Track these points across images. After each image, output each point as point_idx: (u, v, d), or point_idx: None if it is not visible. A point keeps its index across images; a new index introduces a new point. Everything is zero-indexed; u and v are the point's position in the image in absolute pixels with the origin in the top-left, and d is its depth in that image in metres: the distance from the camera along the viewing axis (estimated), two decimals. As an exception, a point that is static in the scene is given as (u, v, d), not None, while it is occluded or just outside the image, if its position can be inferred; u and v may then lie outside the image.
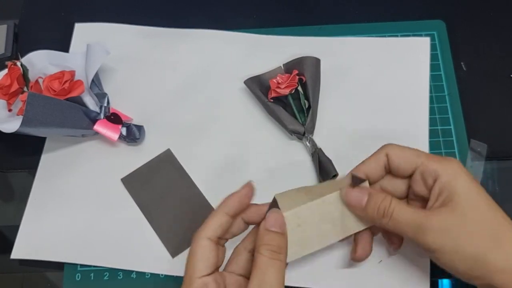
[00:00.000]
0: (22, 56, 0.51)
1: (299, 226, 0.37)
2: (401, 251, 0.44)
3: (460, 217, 0.35)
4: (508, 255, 0.34)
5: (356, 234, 0.40)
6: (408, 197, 0.41)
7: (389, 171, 0.40)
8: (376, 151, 0.40)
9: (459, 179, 0.36)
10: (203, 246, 0.37)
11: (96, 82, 0.51)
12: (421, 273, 0.43)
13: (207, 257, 0.36)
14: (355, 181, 0.39)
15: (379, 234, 0.43)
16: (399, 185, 0.41)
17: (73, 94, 0.49)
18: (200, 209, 0.47)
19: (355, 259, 0.41)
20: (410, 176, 0.39)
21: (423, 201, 0.39)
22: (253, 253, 0.37)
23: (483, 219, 0.35)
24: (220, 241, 0.38)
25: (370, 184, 0.40)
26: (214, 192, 0.48)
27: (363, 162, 0.40)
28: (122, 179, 0.49)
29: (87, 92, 0.51)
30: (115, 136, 0.49)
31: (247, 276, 0.38)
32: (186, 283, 0.36)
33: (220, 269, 0.39)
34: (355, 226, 0.39)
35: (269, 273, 0.34)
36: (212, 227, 0.37)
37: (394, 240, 0.42)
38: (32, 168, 0.50)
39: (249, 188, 0.38)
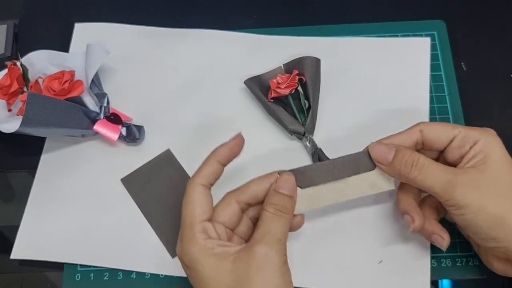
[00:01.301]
0: (22, 56, 0.51)
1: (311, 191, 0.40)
2: (401, 251, 0.44)
3: (489, 178, 0.37)
4: None
5: (402, 206, 0.41)
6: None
7: (422, 146, 0.41)
8: (408, 128, 0.41)
9: (496, 147, 0.38)
10: (199, 193, 0.38)
11: (96, 82, 0.51)
12: (421, 273, 0.43)
13: (204, 203, 0.38)
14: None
15: (379, 235, 0.43)
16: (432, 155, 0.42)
17: (73, 94, 0.49)
18: (200, 209, 0.47)
19: (415, 229, 0.41)
20: (442, 151, 0.40)
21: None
22: (242, 205, 0.39)
23: (510, 184, 0.37)
24: (210, 188, 0.39)
25: None
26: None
27: (394, 134, 0.41)
28: (122, 179, 0.49)
29: (87, 92, 0.51)
30: (115, 136, 0.49)
31: (232, 229, 0.39)
32: (186, 229, 0.37)
33: None
34: (368, 189, 0.41)
35: (273, 224, 0.36)
36: (205, 174, 0.39)
37: (443, 235, 0.41)
38: (32, 168, 0.50)
39: (239, 138, 0.40)
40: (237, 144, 0.40)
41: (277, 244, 0.35)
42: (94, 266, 0.46)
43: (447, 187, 0.37)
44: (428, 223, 0.41)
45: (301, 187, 0.40)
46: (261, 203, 0.39)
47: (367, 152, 0.41)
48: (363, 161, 0.41)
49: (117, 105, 0.52)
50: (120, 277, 0.46)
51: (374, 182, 0.41)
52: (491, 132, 0.39)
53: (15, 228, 0.47)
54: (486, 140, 0.38)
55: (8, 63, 0.49)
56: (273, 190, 0.38)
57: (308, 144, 0.49)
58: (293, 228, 0.40)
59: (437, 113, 0.51)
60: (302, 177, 0.40)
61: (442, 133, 0.40)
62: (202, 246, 0.36)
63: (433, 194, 0.38)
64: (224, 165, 0.40)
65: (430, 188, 0.38)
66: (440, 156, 0.42)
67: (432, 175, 0.38)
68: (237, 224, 0.39)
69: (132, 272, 0.46)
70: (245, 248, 0.35)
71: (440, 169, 0.38)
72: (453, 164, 0.40)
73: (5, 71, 0.49)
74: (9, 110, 0.50)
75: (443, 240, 0.41)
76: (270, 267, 0.34)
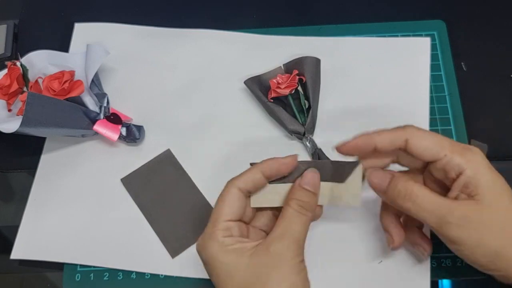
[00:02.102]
0: (21, 56, 0.51)
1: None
2: (401, 251, 0.44)
3: (485, 210, 0.35)
4: None
5: (384, 222, 0.41)
6: (424, 175, 0.40)
7: (405, 151, 0.38)
8: (396, 129, 0.38)
9: (484, 173, 0.36)
10: (232, 193, 0.38)
11: (96, 82, 0.51)
12: (421, 273, 0.43)
13: (234, 204, 0.37)
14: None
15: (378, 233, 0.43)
16: (416, 162, 0.40)
17: (73, 94, 0.49)
18: (200, 209, 0.47)
19: (395, 248, 0.41)
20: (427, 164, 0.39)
21: (441, 184, 0.39)
22: (276, 212, 0.39)
23: (507, 213, 0.36)
24: (248, 195, 0.39)
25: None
26: (214, 192, 0.48)
27: (379, 133, 0.39)
28: (122, 179, 0.49)
29: (87, 92, 0.51)
30: (115, 136, 0.49)
31: (268, 232, 0.38)
32: (210, 225, 0.37)
33: None
34: (332, 199, 0.39)
35: (294, 223, 0.36)
36: (244, 179, 0.38)
37: (425, 246, 0.41)
38: (32, 168, 0.50)
39: (292, 159, 0.39)
40: (286, 164, 0.39)
41: (295, 244, 0.35)
42: (94, 266, 0.46)
43: (441, 223, 0.35)
44: (410, 233, 0.41)
45: (270, 182, 0.39)
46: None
47: (352, 164, 0.39)
48: (344, 171, 0.39)
49: (117, 105, 0.52)
50: (120, 277, 0.46)
51: (340, 195, 0.39)
52: (477, 156, 0.37)
53: (15, 228, 0.47)
54: (472, 168, 0.36)
55: (8, 63, 0.49)
56: (298, 185, 0.38)
57: (308, 144, 0.49)
58: (313, 218, 0.40)
59: (437, 113, 0.51)
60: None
61: (427, 152, 0.37)
62: (221, 243, 0.36)
63: (427, 225, 0.37)
64: (267, 178, 0.39)
65: (424, 221, 0.37)
66: (427, 170, 0.40)
67: (426, 208, 0.36)
68: (249, 215, 0.40)
69: (132, 272, 0.46)
70: (263, 244, 0.35)
71: (435, 202, 0.36)
72: (440, 181, 0.39)
73: (5, 71, 0.49)
74: (9, 110, 0.50)
75: (424, 251, 0.41)
76: (287, 265, 0.34)
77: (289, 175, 0.39)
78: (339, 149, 0.39)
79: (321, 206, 0.40)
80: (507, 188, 0.36)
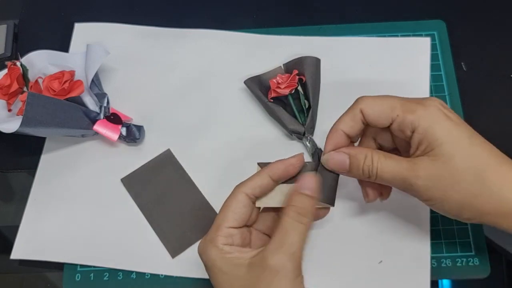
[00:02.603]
0: (22, 56, 0.51)
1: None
2: (401, 251, 0.44)
3: (443, 165, 0.35)
4: (493, 198, 0.35)
5: (359, 181, 0.41)
6: (396, 144, 0.41)
7: (367, 124, 0.39)
8: (350, 106, 0.39)
9: (437, 126, 0.36)
10: (238, 200, 0.37)
11: (96, 82, 0.51)
12: (421, 273, 0.43)
13: (239, 211, 0.37)
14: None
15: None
16: (387, 135, 0.41)
17: (73, 94, 0.49)
18: (200, 209, 0.47)
19: (369, 201, 0.41)
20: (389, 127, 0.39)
21: (407, 144, 0.39)
22: (279, 213, 0.38)
23: (465, 164, 0.35)
24: (255, 200, 0.39)
25: (351, 140, 0.40)
26: (214, 192, 0.48)
27: (339, 120, 0.40)
28: (122, 179, 0.49)
29: (87, 92, 0.51)
30: (115, 136, 0.49)
31: (271, 235, 0.38)
32: (213, 230, 0.37)
33: None
34: None
35: (291, 235, 0.35)
36: (252, 185, 0.38)
37: (383, 192, 0.42)
38: (32, 168, 0.50)
39: (298, 159, 0.39)
40: (293, 164, 0.39)
41: (292, 259, 0.35)
42: (94, 266, 0.46)
43: (405, 187, 0.36)
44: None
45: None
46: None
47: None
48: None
49: (117, 105, 0.52)
50: (120, 277, 0.46)
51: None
52: (430, 108, 0.36)
53: (15, 228, 0.47)
54: (424, 122, 0.36)
55: (8, 63, 0.49)
56: (296, 191, 0.37)
57: (308, 144, 0.49)
58: (318, 217, 0.41)
59: (437, 113, 0.51)
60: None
61: (381, 115, 0.38)
62: (220, 250, 0.36)
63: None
64: (276, 181, 0.39)
65: (392, 186, 0.38)
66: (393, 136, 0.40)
67: (388, 178, 0.37)
68: (254, 218, 0.40)
69: (132, 272, 0.46)
70: (260, 255, 0.35)
71: (394, 167, 0.36)
72: (404, 140, 0.38)
73: (5, 71, 0.49)
74: (9, 110, 0.50)
75: (367, 196, 0.41)
76: (283, 279, 0.34)
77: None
78: (328, 165, 0.39)
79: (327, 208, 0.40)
80: (466, 134, 0.36)
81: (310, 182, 0.37)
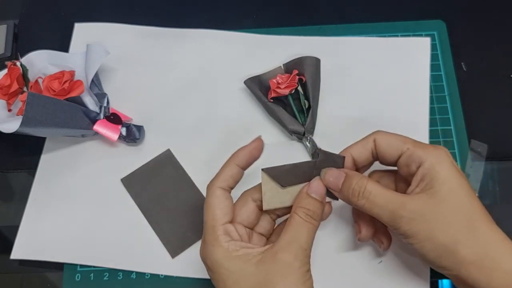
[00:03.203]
0: (22, 56, 0.51)
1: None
2: (401, 251, 0.44)
3: (437, 204, 0.35)
4: (478, 247, 0.34)
5: (355, 216, 0.42)
6: (396, 178, 0.42)
7: (376, 157, 0.40)
8: (365, 136, 0.41)
9: (442, 166, 0.36)
10: (218, 196, 0.38)
11: (96, 82, 0.51)
12: (421, 273, 0.43)
13: (224, 206, 0.38)
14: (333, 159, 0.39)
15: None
16: (390, 180, 0.42)
17: (73, 94, 0.49)
18: (200, 209, 0.47)
19: (361, 239, 0.41)
20: (396, 163, 0.40)
21: (408, 185, 0.39)
22: (258, 203, 0.39)
23: (460, 209, 0.35)
24: (230, 190, 0.39)
25: (357, 169, 0.40)
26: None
27: (350, 145, 0.41)
28: (122, 179, 0.49)
29: (87, 92, 0.51)
30: (115, 136, 0.49)
31: (251, 228, 0.39)
32: (209, 232, 0.37)
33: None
34: None
35: (301, 232, 0.36)
36: (224, 177, 0.38)
37: (383, 240, 0.42)
38: (32, 168, 0.50)
39: (258, 141, 0.40)
40: (256, 148, 0.40)
41: (302, 254, 0.35)
42: (94, 266, 0.46)
43: (393, 218, 0.36)
44: (377, 227, 0.42)
45: (283, 186, 0.39)
46: None
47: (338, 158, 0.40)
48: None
49: (117, 105, 0.52)
50: (120, 277, 0.46)
51: None
52: (440, 152, 0.37)
53: (15, 228, 0.47)
54: (431, 160, 0.36)
55: (8, 63, 0.49)
56: (305, 193, 0.38)
57: (308, 144, 0.49)
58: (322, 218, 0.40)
59: (437, 113, 0.51)
60: (288, 174, 0.39)
61: (392, 147, 0.39)
62: (226, 249, 0.36)
63: (381, 221, 0.38)
64: (244, 168, 0.40)
65: (377, 217, 0.37)
66: (398, 173, 0.40)
67: (378, 204, 0.36)
68: (256, 222, 0.40)
69: (132, 272, 0.46)
70: (270, 252, 0.35)
71: (387, 198, 0.36)
72: (407, 180, 0.39)
73: (5, 71, 0.49)
74: (9, 110, 0.50)
75: (381, 243, 0.41)
76: (294, 274, 0.34)
77: (297, 176, 0.39)
78: (324, 178, 0.39)
79: (329, 204, 0.40)
80: (465, 184, 0.36)
81: (318, 186, 0.38)
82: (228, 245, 0.36)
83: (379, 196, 0.36)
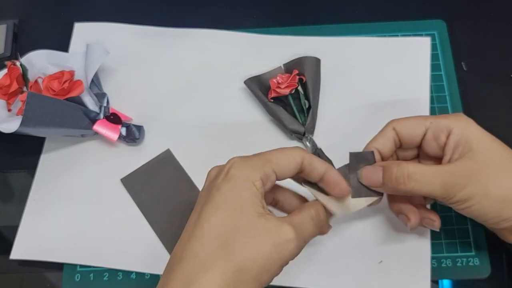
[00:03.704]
0: (21, 56, 0.51)
1: None
2: (401, 251, 0.44)
3: (483, 162, 0.36)
4: None
5: (395, 208, 0.41)
6: (420, 161, 0.42)
7: (400, 144, 0.41)
8: (382, 128, 0.41)
9: (471, 129, 0.38)
10: (296, 157, 0.36)
11: (95, 82, 0.51)
12: (421, 273, 0.43)
13: (289, 164, 0.36)
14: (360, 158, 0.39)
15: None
16: (409, 155, 0.42)
17: (73, 94, 0.48)
18: (200, 209, 0.47)
19: (413, 226, 0.40)
20: (419, 146, 0.40)
21: (436, 161, 0.39)
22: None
23: (503, 160, 0.37)
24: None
25: (383, 159, 0.40)
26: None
27: (371, 140, 0.41)
28: (121, 179, 0.49)
29: (87, 92, 0.51)
30: (114, 136, 0.49)
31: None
32: (260, 159, 0.35)
33: None
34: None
35: (307, 227, 0.35)
36: (313, 161, 0.37)
37: (433, 217, 0.41)
38: (31, 168, 0.50)
39: (346, 189, 0.38)
40: (340, 186, 0.37)
41: (303, 242, 0.35)
42: (93, 266, 0.46)
43: (446, 189, 0.36)
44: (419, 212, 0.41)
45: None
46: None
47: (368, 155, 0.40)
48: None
49: (117, 105, 0.52)
50: (119, 277, 0.45)
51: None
52: (462, 117, 0.38)
53: (15, 228, 0.47)
54: (460, 126, 0.38)
55: (8, 63, 0.49)
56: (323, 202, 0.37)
57: (308, 144, 0.49)
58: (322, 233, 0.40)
59: (437, 113, 0.51)
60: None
61: (414, 127, 0.39)
62: (255, 180, 0.34)
63: (435, 198, 0.38)
64: (321, 179, 0.37)
65: (430, 194, 0.37)
66: (421, 153, 0.41)
67: (427, 181, 0.36)
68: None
69: (131, 272, 0.46)
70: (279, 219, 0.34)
71: (433, 172, 0.37)
72: (436, 157, 0.39)
73: (5, 71, 0.49)
74: (9, 110, 0.50)
75: (434, 221, 0.41)
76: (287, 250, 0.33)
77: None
78: (363, 179, 0.39)
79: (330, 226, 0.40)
80: (497, 140, 0.38)
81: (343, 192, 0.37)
82: (259, 180, 0.34)
83: (425, 174, 0.37)
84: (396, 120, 0.40)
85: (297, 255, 0.35)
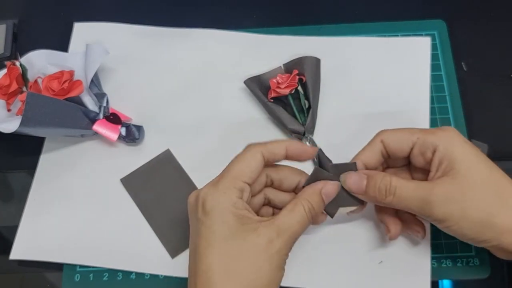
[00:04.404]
0: (21, 56, 0.51)
1: None
2: (401, 251, 0.44)
3: (463, 183, 0.36)
4: None
5: (379, 216, 0.42)
6: (411, 173, 0.42)
7: (388, 156, 0.40)
8: (370, 140, 0.41)
9: (456, 146, 0.37)
10: (255, 158, 0.37)
11: (95, 82, 0.51)
12: (421, 273, 0.43)
13: (254, 169, 0.37)
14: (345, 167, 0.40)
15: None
16: (399, 162, 0.42)
17: (72, 94, 0.48)
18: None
19: (392, 237, 0.41)
20: (408, 156, 0.40)
21: (425, 174, 0.39)
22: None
23: (485, 182, 0.36)
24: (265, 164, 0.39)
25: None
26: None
27: (358, 152, 0.41)
28: (121, 179, 0.49)
29: (87, 92, 0.51)
30: (114, 136, 0.49)
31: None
32: (227, 179, 0.37)
33: None
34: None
35: (298, 220, 0.36)
36: (271, 149, 0.38)
37: (418, 229, 0.41)
38: (31, 168, 0.50)
39: (314, 150, 0.39)
40: (307, 153, 0.39)
41: (291, 241, 0.36)
42: (93, 267, 0.46)
43: (423, 205, 0.36)
44: (405, 221, 0.42)
45: None
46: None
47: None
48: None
49: (116, 105, 0.52)
50: (119, 277, 0.45)
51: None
52: (448, 131, 0.38)
53: (14, 228, 0.47)
54: (444, 143, 0.37)
55: (8, 63, 0.49)
56: (318, 191, 0.38)
57: (308, 144, 0.49)
58: (316, 222, 0.41)
59: (437, 113, 0.51)
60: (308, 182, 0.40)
61: (401, 141, 0.39)
62: (234, 203, 0.35)
63: (413, 213, 0.38)
64: (287, 157, 0.39)
65: (407, 209, 0.37)
66: (411, 163, 0.41)
67: (406, 196, 0.37)
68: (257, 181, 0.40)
69: (131, 272, 0.46)
70: (268, 223, 0.35)
71: (414, 188, 0.37)
72: (423, 169, 0.39)
73: (5, 71, 0.49)
74: (9, 110, 0.50)
75: (418, 232, 0.41)
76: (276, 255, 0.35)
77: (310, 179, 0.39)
78: (346, 184, 0.39)
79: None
80: (482, 157, 0.37)
81: (333, 190, 0.38)
82: (237, 201, 0.36)
83: (405, 189, 0.37)
84: (385, 131, 0.40)
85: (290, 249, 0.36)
